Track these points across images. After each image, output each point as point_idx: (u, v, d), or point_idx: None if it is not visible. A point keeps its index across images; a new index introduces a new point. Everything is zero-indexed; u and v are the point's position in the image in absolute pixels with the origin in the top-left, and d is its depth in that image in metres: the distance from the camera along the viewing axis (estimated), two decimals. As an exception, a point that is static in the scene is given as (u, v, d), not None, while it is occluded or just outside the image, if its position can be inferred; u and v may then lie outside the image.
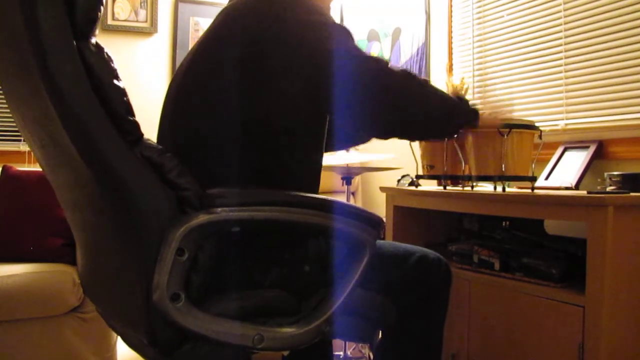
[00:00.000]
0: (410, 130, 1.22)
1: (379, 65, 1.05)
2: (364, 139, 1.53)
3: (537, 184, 1.69)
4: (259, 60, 1.00)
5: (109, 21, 3.08)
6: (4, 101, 0.99)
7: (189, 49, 3.35)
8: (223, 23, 1.08)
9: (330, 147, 1.46)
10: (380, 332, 1.21)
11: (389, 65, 1.07)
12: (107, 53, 0.83)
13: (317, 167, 1.14)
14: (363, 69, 1.03)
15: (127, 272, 0.90)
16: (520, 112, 2.12)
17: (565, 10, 1.96)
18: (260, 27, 1.01)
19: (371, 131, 1.13)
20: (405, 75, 1.09)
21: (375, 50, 3.05)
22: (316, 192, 1.12)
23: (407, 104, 1.10)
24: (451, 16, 2.57)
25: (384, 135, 1.16)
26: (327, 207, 0.96)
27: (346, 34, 1.06)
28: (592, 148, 1.78)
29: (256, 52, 1.00)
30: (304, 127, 1.07)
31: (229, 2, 1.16)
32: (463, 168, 1.61)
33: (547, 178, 1.83)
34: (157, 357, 0.91)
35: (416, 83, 1.11)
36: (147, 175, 0.85)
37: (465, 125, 1.32)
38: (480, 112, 1.33)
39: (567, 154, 1.86)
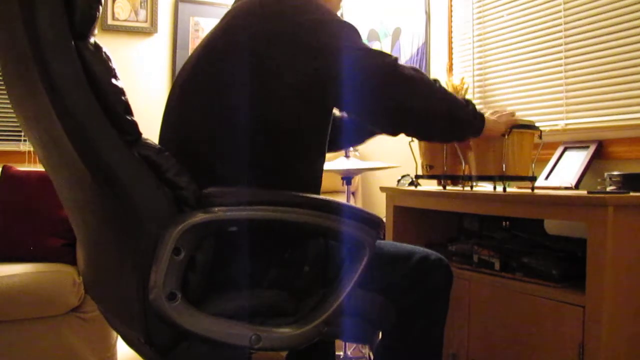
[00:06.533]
0: (416, 127, 1.18)
1: (386, 59, 1.04)
2: (365, 137, 1.52)
3: (537, 184, 1.69)
4: (266, 59, 1.00)
5: (109, 21, 3.08)
6: (5, 101, 1.00)
7: (189, 48, 3.36)
8: (230, 23, 1.08)
9: (335, 145, 1.44)
10: (381, 332, 1.21)
11: (398, 62, 1.06)
12: (105, 52, 0.83)
13: (319, 167, 1.14)
14: (370, 63, 1.03)
15: (125, 271, 0.90)
16: (520, 112, 2.12)
17: (565, 10, 1.95)
18: (268, 26, 1.02)
19: (377, 124, 1.13)
20: (414, 71, 1.08)
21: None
22: (317, 192, 1.12)
23: (413, 99, 1.08)
24: (451, 16, 2.56)
25: (389, 129, 1.15)
26: (326, 207, 0.96)
27: (353, 31, 1.06)
28: (592, 148, 1.78)
29: (263, 50, 1.00)
30: (309, 127, 1.07)
31: (235, 1, 1.16)
32: (463, 168, 1.60)
33: (547, 178, 1.83)
34: (154, 356, 0.91)
35: (425, 80, 1.10)
36: (145, 174, 0.84)
37: (472, 130, 1.27)
38: (485, 115, 1.30)
39: (567, 153, 1.86)
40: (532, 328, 1.38)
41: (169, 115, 1.14)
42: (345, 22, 1.06)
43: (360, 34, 1.08)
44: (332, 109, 1.11)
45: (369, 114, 1.10)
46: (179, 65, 3.17)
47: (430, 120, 1.14)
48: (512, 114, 1.41)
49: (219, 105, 1.03)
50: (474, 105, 1.24)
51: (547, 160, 1.88)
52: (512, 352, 1.43)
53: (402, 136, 1.20)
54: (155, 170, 0.86)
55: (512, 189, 1.55)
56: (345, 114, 1.30)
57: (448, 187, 1.70)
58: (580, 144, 1.84)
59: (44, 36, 0.76)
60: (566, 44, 1.95)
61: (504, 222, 1.69)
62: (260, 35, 1.01)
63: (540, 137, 1.46)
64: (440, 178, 1.70)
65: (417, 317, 1.15)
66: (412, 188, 1.86)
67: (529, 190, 1.47)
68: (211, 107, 1.04)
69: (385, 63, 1.04)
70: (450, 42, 2.57)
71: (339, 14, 1.28)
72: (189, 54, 3.34)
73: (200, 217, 0.85)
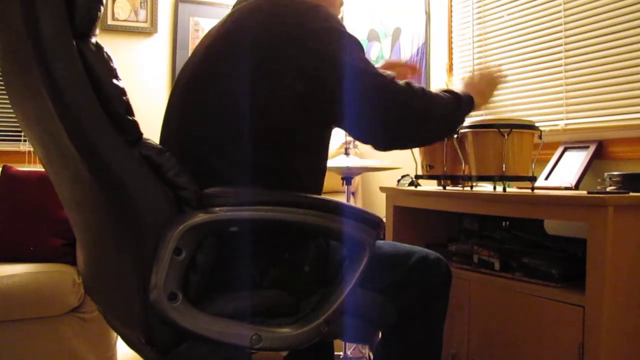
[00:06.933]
0: (411, 143, 1.25)
1: (384, 80, 1.05)
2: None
3: (537, 184, 1.69)
4: (269, 60, 1.00)
5: (109, 21, 3.08)
6: (5, 101, 1.00)
7: (189, 49, 3.36)
8: (235, 23, 1.08)
9: None
10: (381, 332, 1.21)
11: (394, 80, 1.07)
12: (106, 52, 0.83)
13: (321, 168, 1.14)
14: (370, 83, 1.03)
15: (125, 272, 0.90)
16: (521, 112, 2.12)
17: (565, 10, 1.95)
18: (274, 29, 1.02)
19: (373, 140, 1.13)
20: (408, 87, 1.09)
21: (375, 50, 3.05)
22: (319, 193, 1.12)
23: (410, 120, 1.10)
24: (451, 16, 2.57)
25: (384, 148, 1.16)
26: (326, 207, 0.96)
27: (357, 45, 1.06)
28: (592, 148, 1.78)
29: (266, 52, 1.00)
30: (309, 129, 1.07)
31: (237, 3, 1.16)
32: (463, 168, 1.61)
33: (547, 178, 1.83)
34: (154, 357, 0.91)
35: (418, 93, 1.10)
36: (146, 174, 0.84)
37: (464, 118, 1.28)
38: (472, 90, 1.31)
39: (567, 154, 1.86)
40: (532, 328, 1.38)
41: (170, 115, 1.14)
42: (350, 34, 1.06)
43: (363, 48, 1.08)
44: (330, 117, 1.10)
45: (365, 129, 1.09)
46: (179, 65, 3.18)
47: (429, 132, 1.18)
48: (494, 72, 1.42)
49: (220, 105, 1.03)
50: (460, 97, 1.23)
51: (547, 160, 1.88)
52: (512, 352, 1.43)
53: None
54: (156, 170, 0.86)
55: (512, 189, 1.55)
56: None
57: (448, 187, 1.70)
58: (580, 144, 1.84)
59: (45, 36, 0.76)
60: (566, 44, 1.95)
61: (504, 222, 1.69)
62: (265, 37, 1.01)
63: (540, 137, 1.46)
64: (440, 178, 1.70)
65: (417, 317, 1.16)
66: (412, 188, 1.86)
67: (529, 190, 1.47)
68: (212, 107, 1.04)
69: (383, 83, 1.05)
70: (450, 42, 2.57)
71: (338, 15, 1.28)
72: (189, 54, 3.34)
73: (201, 217, 0.85)
